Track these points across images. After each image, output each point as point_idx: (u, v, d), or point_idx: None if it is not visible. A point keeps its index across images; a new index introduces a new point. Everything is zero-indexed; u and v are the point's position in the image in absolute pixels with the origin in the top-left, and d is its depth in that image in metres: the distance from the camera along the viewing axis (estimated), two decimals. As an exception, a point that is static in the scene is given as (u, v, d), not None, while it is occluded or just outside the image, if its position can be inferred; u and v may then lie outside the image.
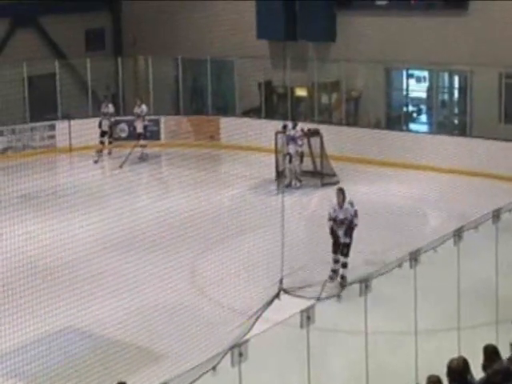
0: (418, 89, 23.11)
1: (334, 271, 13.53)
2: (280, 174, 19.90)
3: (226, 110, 25.59)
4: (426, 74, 23.01)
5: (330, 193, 19.27)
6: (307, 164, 20.43)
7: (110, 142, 23.36)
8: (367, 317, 8.18)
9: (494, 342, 7.94)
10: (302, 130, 20.25)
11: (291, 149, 19.98)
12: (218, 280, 13.12)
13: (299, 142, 20.04)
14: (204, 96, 25.82)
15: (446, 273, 9.62)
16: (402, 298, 9.30)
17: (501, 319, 9.82)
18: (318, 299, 11.93)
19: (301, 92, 24.48)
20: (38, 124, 24.00)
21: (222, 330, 11.46)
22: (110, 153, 23.37)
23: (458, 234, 9.23)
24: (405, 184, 19.78)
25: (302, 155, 20.14)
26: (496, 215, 9.69)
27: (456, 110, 23.38)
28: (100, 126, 23.14)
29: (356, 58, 22.48)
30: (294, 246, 13.19)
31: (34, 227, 13.58)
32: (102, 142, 23.13)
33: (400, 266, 8.69)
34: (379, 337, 9.16)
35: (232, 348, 6.56)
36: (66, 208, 15.51)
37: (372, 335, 8.30)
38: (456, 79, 22.94)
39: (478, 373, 7.34)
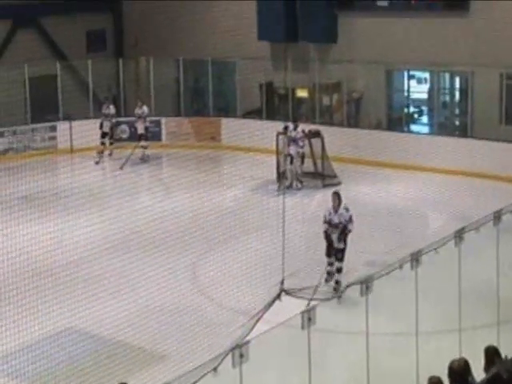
0: (418, 90, 23.11)
1: (329, 273, 13.43)
2: (281, 175, 19.90)
3: (227, 111, 25.60)
4: (427, 75, 23.01)
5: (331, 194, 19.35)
6: (308, 165, 20.43)
7: (111, 143, 23.37)
8: (368, 318, 8.18)
9: (495, 344, 7.94)
10: (303, 131, 20.25)
11: (292, 150, 19.98)
12: (220, 281, 13.12)
13: (300, 143, 20.04)
14: (205, 97, 25.83)
15: (447, 274, 9.62)
16: (403, 299, 9.30)
17: (502, 320, 9.82)
18: (309, 303, 11.93)
19: (302, 93, 24.48)
20: (39, 125, 24.01)
21: (223, 330, 11.47)
22: (110, 154, 23.39)
23: (458, 235, 9.23)
24: (406, 185, 19.78)
25: (303, 156, 20.14)
26: (497, 216, 9.69)
27: (457, 111, 23.38)
28: (101, 127, 23.15)
29: (357, 59, 22.48)
30: (295, 247, 13.20)
31: (35, 228, 13.56)
32: (103, 143, 23.14)
33: (401, 267, 8.69)
34: (380, 338, 9.16)
35: (233, 349, 6.57)
36: (68, 209, 15.54)
37: (373, 336, 8.30)
38: (457, 80, 22.94)
39: (479, 374, 7.35)
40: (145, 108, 23.32)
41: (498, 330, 9.57)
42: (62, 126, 23.94)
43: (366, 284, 8.04)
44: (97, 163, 22.63)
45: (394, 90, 23.59)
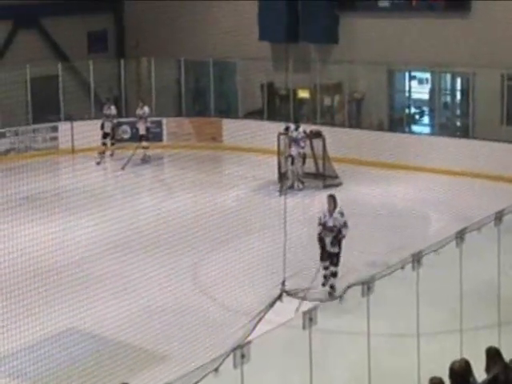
0: (420, 90, 23.11)
1: (326, 277, 13.34)
2: (282, 176, 19.92)
3: (228, 111, 25.60)
4: (428, 75, 23.00)
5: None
6: (309, 166, 20.44)
7: (112, 144, 23.38)
8: (369, 318, 8.18)
9: (496, 344, 7.95)
10: (305, 132, 20.25)
11: (293, 151, 19.99)
12: (221, 281, 13.12)
13: (301, 144, 20.05)
14: (206, 98, 25.84)
15: (449, 275, 9.62)
16: (405, 300, 9.30)
17: (503, 321, 9.82)
18: (299, 304, 11.91)
19: (303, 94, 24.48)
20: (40, 126, 24.03)
21: (225, 331, 11.47)
22: (112, 154, 23.40)
23: (460, 236, 9.23)
24: (407, 186, 19.78)
25: (304, 157, 20.15)
26: (498, 217, 9.69)
27: (458, 112, 23.38)
28: (102, 127, 23.16)
29: (358, 59, 22.49)
30: (296, 247, 13.20)
31: (36, 229, 13.57)
32: (104, 144, 23.15)
33: (402, 267, 8.68)
34: (381, 339, 9.17)
35: (234, 349, 6.57)
36: (69, 209, 15.54)
37: (374, 337, 8.30)
38: (458, 81, 22.94)
39: (480, 375, 7.35)
40: (146, 108, 23.33)
41: (499, 331, 9.57)
42: (64, 127, 23.94)
43: (367, 285, 8.04)
44: (98, 164, 22.64)
45: (396, 90, 23.59)
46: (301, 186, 19.99)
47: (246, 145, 22.47)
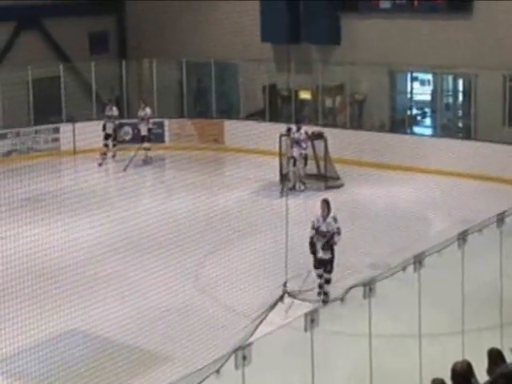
0: (422, 92, 23.11)
1: (321, 286, 13.06)
2: (284, 177, 19.91)
3: (230, 112, 25.60)
4: (430, 77, 23.00)
5: (334, 196, 19.34)
6: (311, 167, 20.43)
7: (114, 145, 23.39)
8: (371, 320, 8.18)
9: (498, 346, 7.93)
10: (306, 133, 20.25)
11: (295, 152, 19.99)
12: (223, 283, 13.12)
13: (303, 145, 20.04)
14: (208, 99, 25.84)
15: (451, 276, 9.61)
16: (406, 302, 9.29)
17: (505, 323, 9.81)
18: (290, 306, 11.89)
19: (305, 95, 24.48)
20: (42, 127, 24.04)
21: (226, 332, 11.47)
22: (114, 156, 23.41)
23: (462, 238, 9.22)
24: (409, 187, 19.76)
25: (306, 158, 20.14)
26: (500, 218, 9.68)
27: (460, 113, 23.37)
28: (104, 128, 23.17)
29: (360, 60, 22.48)
30: (298, 249, 13.18)
31: (38, 230, 13.59)
32: (106, 145, 23.15)
33: (404, 269, 8.68)
34: (383, 340, 9.15)
35: (236, 351, 6.57)
36: (70, 211, 15.54)
37: (376, 338, 8.29)
38: (460, 82, 22.93)
39: (482, 376, 7.34)
40: (148, 110, 23.34)
41: (501, 333, 9.57)
42: (65, 128, 23.96)
43: (369, 286, 8.04)
44: (100, 165, 22.65)
45: (397, 91, 23.58)
46: (302, 187, 19.99)
47: (247, 146, 22.47)
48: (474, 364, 7.18)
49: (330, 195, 19.26)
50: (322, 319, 7.33)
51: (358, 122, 23.71)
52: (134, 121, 23.82)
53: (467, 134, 22.03)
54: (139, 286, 12.91)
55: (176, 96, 26.20)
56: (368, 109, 23.44)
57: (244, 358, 6.52)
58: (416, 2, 22.23)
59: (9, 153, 23.42)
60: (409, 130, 22.92)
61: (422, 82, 23.19)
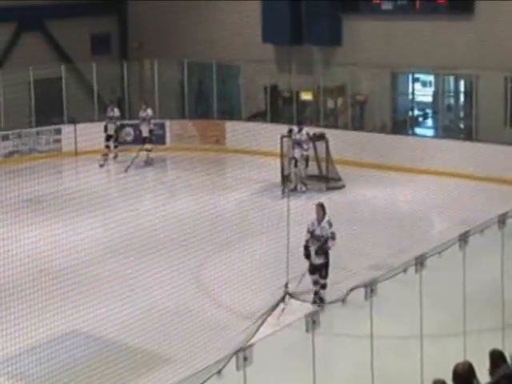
0: (423, 93, 23.10)
1: (316, 293, 12.76)
2: (285, 178, 19.90)
3: (231, 114, 25.60)
4: (431, 78, 23.00)
5: (336, 197, 19.36)
6: (313, 168, 20.43)
7: (115, 146, 23.40)
8: (372, 321, 8.17)
9: (499, 347, 7.93)
10: (308, 134, 20.24)
11: (297, 153, 19.98)
12: (224, 284, 13.12)
13: (305, 146, 20.04)
14: (209, 100, 25.84)
15: (452, 277, 9.61)
16: (408, 303, 9.29)
17: (507, 324, 9.80)
18: (283, 310, 11.85)
19: (306, 96, 24.47)
20: (44, 128, 24.05)
21: (228, 333, 11.48)
22: (115, 157, 23.42)
23: (463, 239, 9.22)
24: (410, 188, 19.77)
25: (307, 159, 20.14)
26: (502, 220, 9.67)
27: (462, 114, 23.35)
28: (106, 129, 23.18)
29: (362, 62, 22.48)
30: (299, 250, 13.18)
31: (39, 231, 13.59)
32: (107, 146, 23.16)
33: (405, 270, 8.67)
34: (384, 341, 9.14)
35: (237, 352, 6.56)
36: (72, 212, 15.53)
37: (377, 339, 8.29)
38: (462, 83, 22.92)
39: (484, 378, 7.34)
40: (149, 111, 23.35)
41: (502, 334, 9.56)
42: (67, 129, 23.98)
43: (370, 287, 8.03)
44: (101, 166, 22.65)
45: (399, 92, 23.57)
46: (304, 188, 19.98)
47: (249, 147, 22.46)
48: (475, 365, 7.17)
49: (331, 196, 19.35)
50: (323, 320, 7.33)
51: (359, 123, 23.70)
52: (136, 122, 23.82)
53: (469, 135, 22.02)
54: (141, 287, 12.91)
55: (177, 97, 26.21)
56: (369, 110, 23.44)
57: (245, 359, 6.52)
58: (417, 3, 22.22)
59: (10, 154, 23.43)
60: (410, 131, 22.91)
61: (424, 83, 23.18)
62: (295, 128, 20.33)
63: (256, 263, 13.40)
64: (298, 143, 20.01)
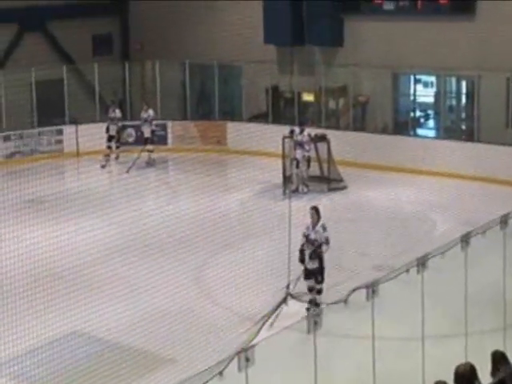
0: (425, 94, 23.09)
1: (311, 302, 12.45)
2: (287, 179, 19.89)
3: (233, 114, 25.61)
4: (433, 79, 22.99)
5: (337, 198, 19.37)
6: (314, 169, 20.42)
7: (117, 147, 23.41)
8: (374, 322, 8.17)
9: (501, 348, 7.92)
10: (309, 135, 20.24)
11: (298, 154, 19.98)
12: (225, 285, 13.11)
13: (306, 147, 20.04)
14: (211, 101, 25.85)
15: (454, 278, 9.60)
16: (409, 304, 9.28)
17: (509, 325, 9.80)
18: (272, 322, 11.80)
19: (308, 97, 24.47)
20: (45, 129, 24.07)
21: (229, 334, 11.47)
22: (117, 157, 23.43)
23: (465, 240, 9.21)
24: (412, 189, 19.76)
25: (309, 160, 20.13)
26: (504, 221, 9.66)
27: (463, 115, 23.34)
28: (107, 130, 23.19)
29: (363, 62, 22.48)
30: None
31: (41, 232, 13.60)
32: (109, 147, 23.17)
33: (407, 271, 8.67)
34: (386, 342, 9.15)
35: (239, 353, 6.56)
36: (73, 213, 15.54)
37: (379, 340, 8.28)
38: (463, 84, 22.91)
39: (485, 379, 7.33)
40: (151, 112, 23.35)
41: (504, 335, 9.55)
42: (69, 130, 23.99)
43: (372, 288, 8.03)
44: (103, 167, 22.66)
45: (401, 93, 23.57)
46: (305, 189, 19.98)
47: (250, 148, 22.47)
48: (477, 366, 7.16)
49: (333, 197, 19.37)
50: (325, 321, 7.32)
51: (361, 123, 23.70)
52: (137, 123, 23.83)
53: (470, 135, 22.00)
54: (142, 288, 12.90)
55: (179, 98, 26.21)
56: (371, 111, 23.43)
57: (247, 359, 6.51)
58: (419, 4, 22.21)
59: (12, 154, 23.45)
60: (412, 132, 22.90)
61: (425, 84, 23.17)
62: (297, 129, 20.33)
63: (257, 264, 13.39)
64: (300, 144, 20.00)
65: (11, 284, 11.81)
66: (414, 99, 22.93)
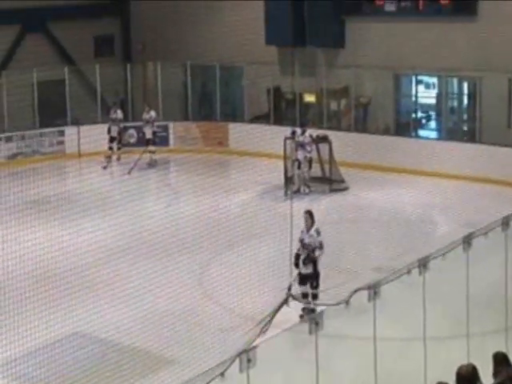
0: (427, 95, 23.08)
1: (304, 309, 12.19)
2: (289, 180, 19.91)
3: (234, 115, 25.62)
4: (435, 80, 22.98)
5: (339, 199, 19.37)
6: (316, 170, 20.43)
7: (118, 148, 23.41)
8: (376, 323, 8.17)
9: (503, 349, 7.92)
10: (311, 136, 20.25)
11: (300, 155, 19.99)
12: (227, 286, 13.12)
13: (308, 148, 20.05)
14: (213, 102, 25.86)
15: (455, 279, 9.60)
16: (411, 305, 9.28)
17: (510, 326, 9.79)
18: (266, 329, 11.76)
19: (309, 98, 24.48)
20: (47, 130, 24.09)
21: (231, 335, 11.47)
22: (118, 159, 23.43)
23: (467, 241, 9.21)
24: (413, 190, 19.74)
25: (310, 161, 20.14)
26: (506, 222, 9.66)
27: (465, 116, 23.34)
28: (109, 131, 23.20)
29: (365, 64, 22.48)
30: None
31: (43, 233, 13.61)
32: (110, 148, 23.18)
33: (409, 272, 8.67)
34: (388, 343, 9.14)
35: (240, 354, 6.56)
36: (75, 214, 15.56)
37: (380, 342, 8.28)
38: (465, 85, 22.91)
39: (487, 380, 7.32)
40: (152, 113, 23.37)
41: (506, 336, 9.55)
42: (70, 131, 24.01)
43: (373, 289, 8.03)
44: (104, 168, 22.66)
45: (402, 95, 23.57)
46: (307, 190, 19.99)
47: (252, 149, 22.47)
48: (479, 367, 7.16)
49: (334, 198, 19.37)
50: (327, 322, 7.32)
51: (362, 125, 23.70)
52: (139, 124, 23.85)
53: (472, 137, 22.00)
54: (144, 289, 12.91)
55: (181, 99, 26.22)
56: (373, 112, 23.44)
57: (249, 360, 6.51)
58: (421, 5, 22.21)
59: (14, 155, 23.46)
60: (413, 133, 22.89)
61: (427, 85, 23.17)
62: (298, 130, 20.35)
63: (259, 265, 13.39)
64: (302, 145, 20.01)
65: (13, 285, 11.83)
66: (416, 100, 22.92)
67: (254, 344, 7.48)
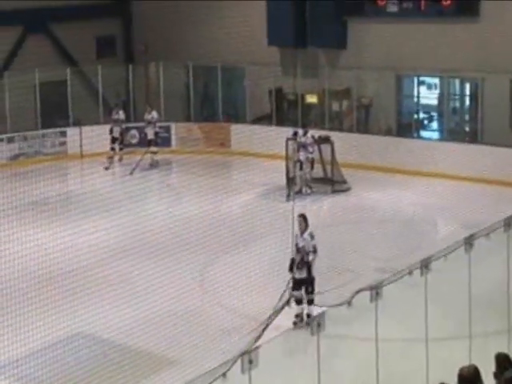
0: (429, 96, 23.07)
1: (298, 316, 12.03)
2: (290, 181, 19.91)
3: (236, 116, 25.62)
4: (437, 81, 22.97)
5: (341, 200, 19.37)
6: (318, 171, 20.43)
7: (120, 149, 23.42)
8: (378, 324, 8.17)
9: (505, 350, 7.91)
10: (313, 137, 20.26)
11: (302, 156, 20.00)
12: (229, 287, 13.12)
13: (310, 149, 20.05)
14: (214, 103, 25.86)
15: (457, 280, 9.60)
16: (413, 306, 9.28)
17: (512, 327, 9.79)
18: (265, 329, 11.72)
19: (311, 99, 24.47)
20: (49, 130, 24.10)
21: (233, 336, 11.47)
22: (120, 159, 23.44)
23: (469, 242, 9.21)
24: (415, 191, 19.75)
25: (312, 162, 20.14)
26: (507, 223, 9.66)
27: (467, 117, 23.33)
28: (111, 132, 23.21)
29: (367, 65, 22.48)
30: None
31: (45, 233, 13.62)
32: (112, 149, 23.19)
33: (411, 273, 8.67)
34: (390, 344, 9.14)
35: (242, 354, 6.57)
36: (77, 214, 15.58)
37: (382, 342, 8.28)
38: (467, 86, 22.89)
39: (489, 381, 7.32)
40: (154, 113, 23.38)
41: (508, 337, 9.54)
42: (72, 132, 24.01)
43: (375, 290, 8.03)
44: (106, 169, 22.67)
45: (404, 95, 23.55)
46: (309, 191, 19.99)
47: (254, 150, 22.48)
48: (481, 368, 7.16)
49: (336, 199, 19.37)
50: (329, 323, 7.32)
51: (364, 125, 23.69)
52: (141, 124, 23.86)
53: (474, 137, 21.99)
54: (147, 290, 12.92)
55: (183, 100, 26.23)
56: (375, 113, 23.43)
57: (250, 361, 6.52)
58: (423, 6, 22.20)
59: (16, 156, 23.48)
60: (415, 134, 22.88)
61: (429, 86, 23.16)
62: (300, 131, 20.35)
63: (261, 266, 13.40)
64: (303, 146, 20.01)
65: (14, 285, 11.84)
66: (418, 101, 22.91)
67: (256, 345, 7.48)
